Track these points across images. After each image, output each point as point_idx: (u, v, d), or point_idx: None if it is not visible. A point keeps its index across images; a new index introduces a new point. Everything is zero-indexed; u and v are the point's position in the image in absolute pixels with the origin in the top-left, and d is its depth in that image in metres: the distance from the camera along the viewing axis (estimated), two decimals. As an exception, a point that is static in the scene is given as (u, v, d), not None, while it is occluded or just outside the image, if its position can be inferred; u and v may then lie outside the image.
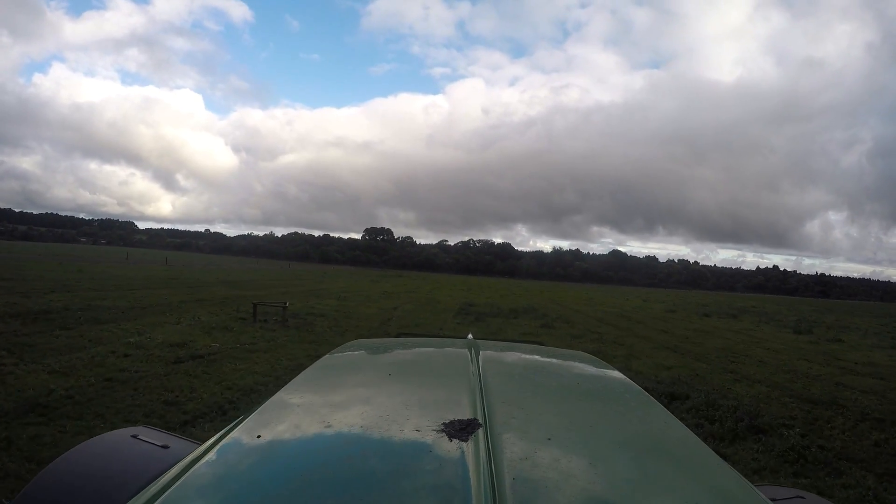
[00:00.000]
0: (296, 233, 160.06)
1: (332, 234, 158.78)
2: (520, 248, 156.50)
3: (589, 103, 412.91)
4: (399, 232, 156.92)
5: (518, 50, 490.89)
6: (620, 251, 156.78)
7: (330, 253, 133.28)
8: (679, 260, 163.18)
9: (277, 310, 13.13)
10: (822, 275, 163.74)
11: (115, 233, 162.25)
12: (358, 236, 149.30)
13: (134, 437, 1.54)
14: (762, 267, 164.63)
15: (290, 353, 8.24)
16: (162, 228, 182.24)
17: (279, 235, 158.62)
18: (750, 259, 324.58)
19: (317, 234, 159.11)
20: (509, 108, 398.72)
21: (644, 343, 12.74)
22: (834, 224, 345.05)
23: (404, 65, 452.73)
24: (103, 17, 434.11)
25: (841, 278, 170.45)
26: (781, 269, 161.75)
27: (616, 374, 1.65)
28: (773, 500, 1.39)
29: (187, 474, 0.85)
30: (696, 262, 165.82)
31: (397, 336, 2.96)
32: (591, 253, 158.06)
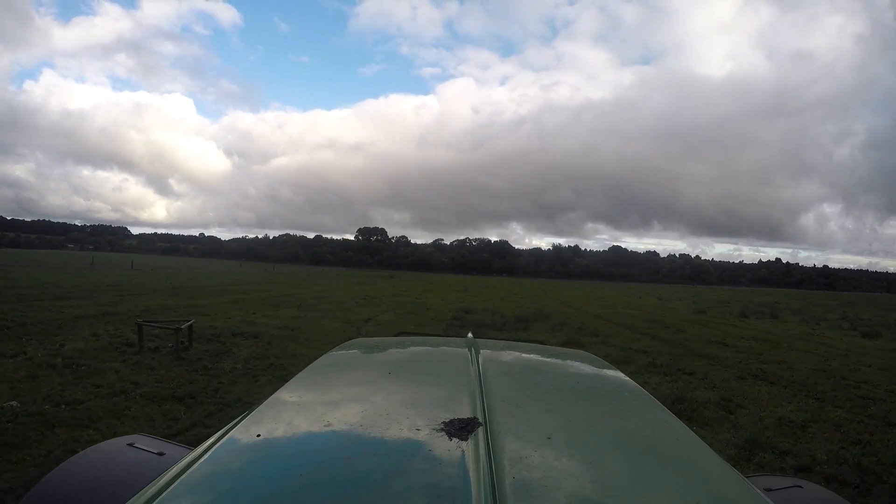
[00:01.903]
0: (287, 234, 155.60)
1: (324, 236, 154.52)
2: (517, 247, 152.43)
3: (579, 100, 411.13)
4: (394, 232, 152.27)
5: (507, 48, 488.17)
6: (620, 247, 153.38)
7: (321, 254, 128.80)
8: (680, 255, 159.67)
9: (200, 330, 9.26)
10: (825, 267, 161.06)
11: (105, 238, 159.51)
12: (352, 238, 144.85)
13: (130, 445, 1.51)
14: (764, 260, 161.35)
15: (113, 431, 4.30)
16: (155, 233, 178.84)
17: (272, 238, 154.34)
18: (746, 253, 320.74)
19: (310, 235, 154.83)
20: (500, 107, 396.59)
21: (718, 369, 8.87)
22: (829, 216, 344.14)
23: (394, 65, 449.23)
24: (92, 23, 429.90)
25: (842, 270, 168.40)
26: (784, 262, 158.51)
27: (616, 373, 1.61)
28: (771, 489, 1.40)
29: (186, 474, 0.82)
30: (697, 257, 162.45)
31: (397, 335, 2.44)
32: (588, 250, 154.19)
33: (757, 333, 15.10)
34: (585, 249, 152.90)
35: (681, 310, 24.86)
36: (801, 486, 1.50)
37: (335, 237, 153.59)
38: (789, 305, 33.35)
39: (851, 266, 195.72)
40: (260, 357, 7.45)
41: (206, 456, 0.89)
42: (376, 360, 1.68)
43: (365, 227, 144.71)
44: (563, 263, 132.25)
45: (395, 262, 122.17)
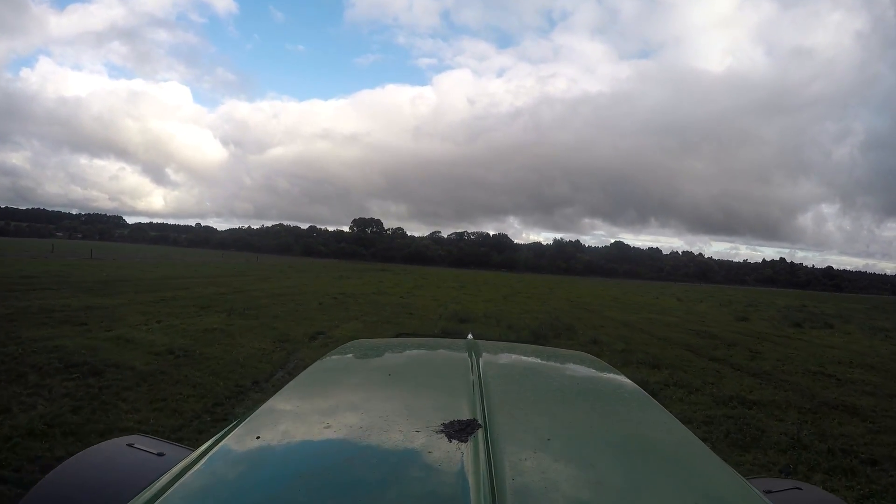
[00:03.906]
0: (280, 225, 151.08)
1: (319, 227, 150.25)
2: (515, 241, 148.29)
3: (576, 93, 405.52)
4: (390, 224, 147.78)
5: (504, 40, 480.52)
6: (623, 242, 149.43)
7: (313, 245, 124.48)
8: (683, 252, 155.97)
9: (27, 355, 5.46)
10: (829, 268, 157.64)
11: (96, 227, 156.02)
12: (347, 229, 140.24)
13: (130, 445, 1.47)
14: (765, 259, 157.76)
15: None
16: (150, 223, 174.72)
17: (265, 228, 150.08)
18: (743, 251, 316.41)
19: (304, 226, 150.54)
20: (496, 99, 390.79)
21: (889, 441, 5.10)
22: (826, 217, 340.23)
23: (390, 56, 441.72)
24: (87, 11, 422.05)
25: (845, 271, 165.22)
26: (788, 261, 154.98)
27: (616, 374, 1.58)
28: (771, 491, 1.38)
29: (183, 478, 0.80)
30: (700, 254, 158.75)
31: (397, 336, 2.55)
32: (588, 245, 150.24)
33: (849, 356, 11.32)
34: (586, 245, 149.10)
35: (716, 315, 21.11)
36: (800, 489, 1.48)
37: (330, 228, 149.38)
38: (823, 310, 29.76)
39: (849, 267, 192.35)
40: (39, 433, 3.59)
41: (205, 458, 0.87)
42: (375, 363, 1.66)
43: (360, 218, 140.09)
44: (565, 259, 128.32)
45: (391, 254, 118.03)
